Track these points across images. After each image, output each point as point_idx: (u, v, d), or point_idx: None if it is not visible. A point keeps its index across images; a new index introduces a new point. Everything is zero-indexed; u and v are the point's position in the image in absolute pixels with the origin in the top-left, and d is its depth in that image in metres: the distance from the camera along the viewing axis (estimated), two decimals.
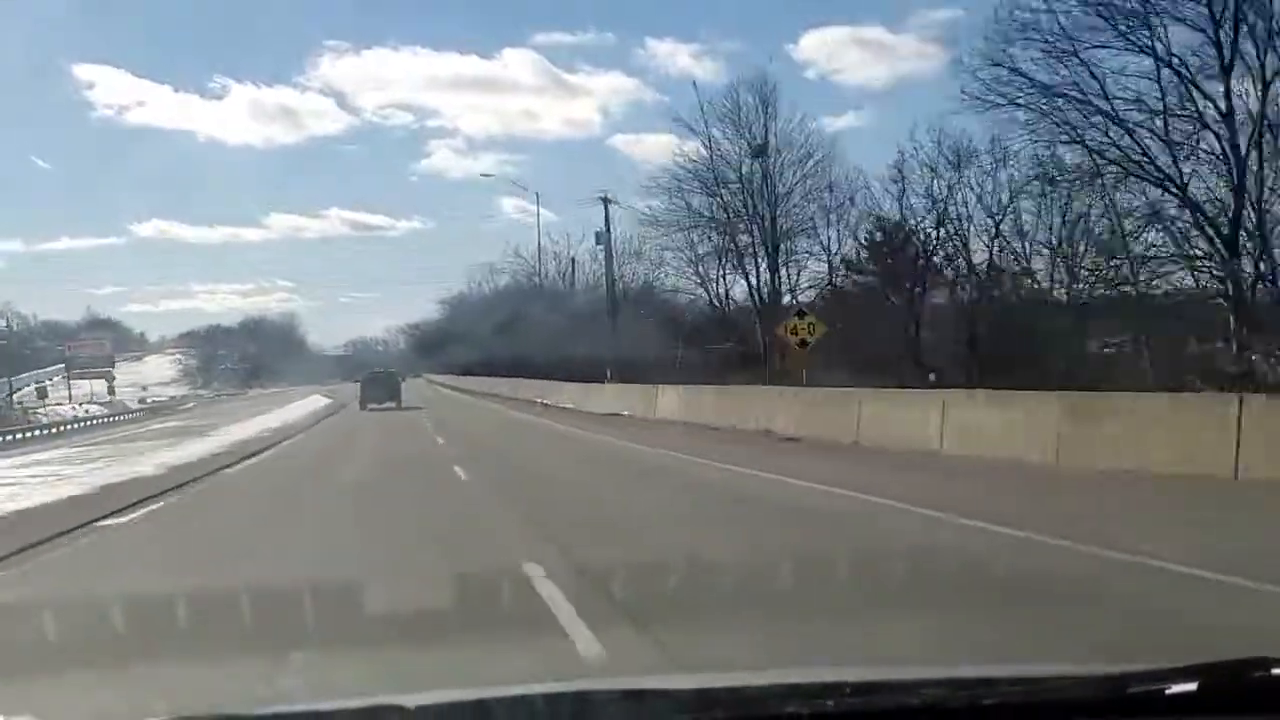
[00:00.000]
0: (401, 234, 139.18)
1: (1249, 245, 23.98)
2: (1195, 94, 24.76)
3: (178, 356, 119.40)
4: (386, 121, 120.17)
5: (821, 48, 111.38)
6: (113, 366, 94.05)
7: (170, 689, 4.73)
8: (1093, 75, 25.71)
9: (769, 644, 5.27)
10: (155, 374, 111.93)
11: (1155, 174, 25.33)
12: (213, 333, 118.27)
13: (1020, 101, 26.57)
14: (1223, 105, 24.23)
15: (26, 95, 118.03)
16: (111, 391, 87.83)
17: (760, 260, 40.24)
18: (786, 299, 37.91)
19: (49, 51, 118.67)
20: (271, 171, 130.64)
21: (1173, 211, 25.52)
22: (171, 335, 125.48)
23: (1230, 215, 24.12)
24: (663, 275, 47.83)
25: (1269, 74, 23.59)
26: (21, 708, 4.45)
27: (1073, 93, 25.92)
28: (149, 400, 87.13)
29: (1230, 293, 24.24)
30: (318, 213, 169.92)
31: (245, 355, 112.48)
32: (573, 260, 58.62)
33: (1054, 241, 30.38)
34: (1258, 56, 23.81)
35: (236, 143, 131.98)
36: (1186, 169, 25.06)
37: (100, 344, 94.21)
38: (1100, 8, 24.99)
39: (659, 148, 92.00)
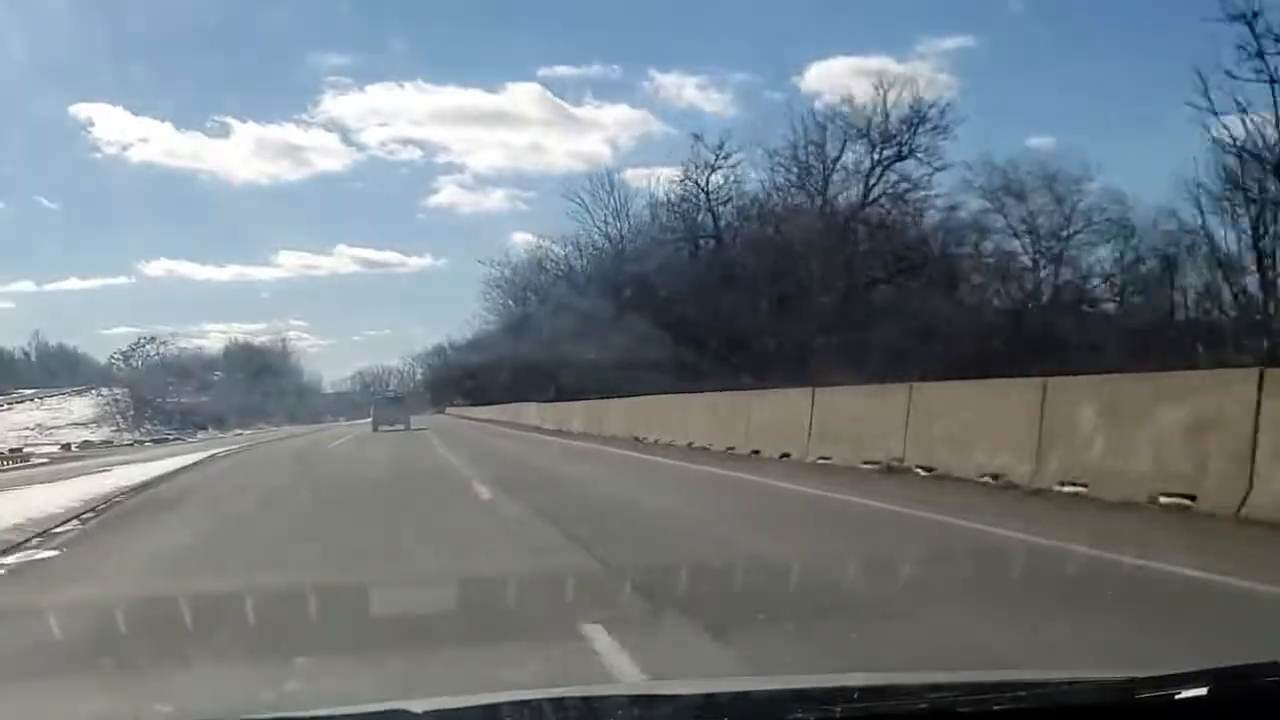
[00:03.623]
0: (413, 270, 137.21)
1: None
2: None
3: (100, 393, 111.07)
4: (392, 157, 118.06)
5: (828, 78, 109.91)
6: None
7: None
8: None
9: None
10: (80, 412, 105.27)
11: None
12: (190, 363, 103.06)
13: None
14: None
15: (28, 135, 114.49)
16: None
17: None
18: None
19: (47, 90, 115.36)
20: (278, 209, 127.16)
21: None
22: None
23: None
24: None
25: None
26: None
27: None
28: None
29: None
30: (327, 250, 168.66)
31: (214, 388, 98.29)
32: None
33: None
34: None
35: (241, 180, 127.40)
36: None
37: None
38: None
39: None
